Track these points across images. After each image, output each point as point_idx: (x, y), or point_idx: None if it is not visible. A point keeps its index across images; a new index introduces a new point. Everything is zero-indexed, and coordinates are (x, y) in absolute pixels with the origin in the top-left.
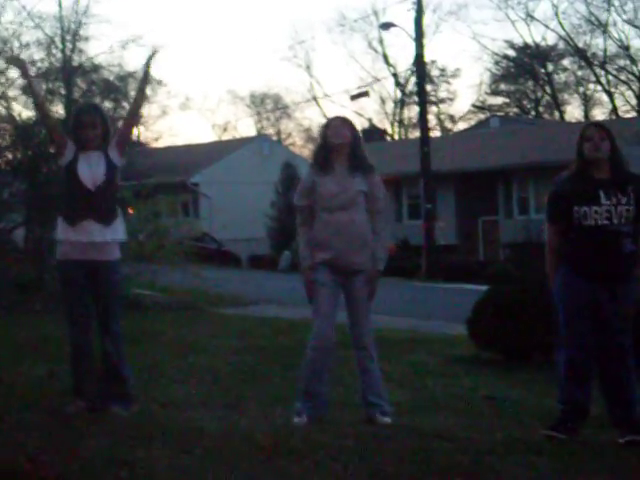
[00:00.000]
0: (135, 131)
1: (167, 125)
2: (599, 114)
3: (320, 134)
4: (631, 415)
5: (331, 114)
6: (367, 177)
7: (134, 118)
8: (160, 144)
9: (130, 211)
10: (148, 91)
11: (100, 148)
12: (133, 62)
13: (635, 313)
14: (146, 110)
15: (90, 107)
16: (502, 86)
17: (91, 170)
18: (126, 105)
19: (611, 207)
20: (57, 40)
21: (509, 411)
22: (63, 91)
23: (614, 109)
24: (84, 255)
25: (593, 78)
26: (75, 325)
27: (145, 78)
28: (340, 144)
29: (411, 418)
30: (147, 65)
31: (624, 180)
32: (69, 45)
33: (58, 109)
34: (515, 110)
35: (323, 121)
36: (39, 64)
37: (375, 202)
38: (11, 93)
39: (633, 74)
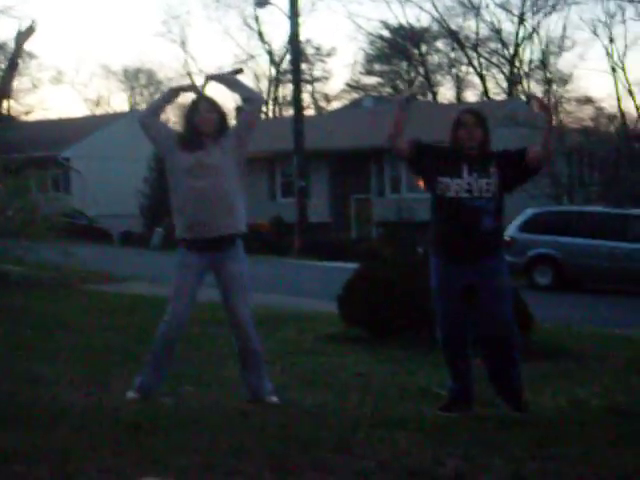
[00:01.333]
0: (4, 104)
1: (38, 99)
2: (471, 96)
3: (186, 116)
4: (515, 392)
5: (206, 91)
6: (228, 136)
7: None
8: (31, 118)
9: None
10: (18, 63)
11: None
12: (2, 33)
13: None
14: (16, 83)
15: None
16: (376, 66)
17: None
18: None
19: (472, 181)
20: None
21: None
22: None
23: (485, 91)
24: None
25: (465, 60)
26: None
27: (17, 53)
28: (208, 129)
29: (280, 395)
30: (19, 41)
31: (488, 157)
32: None
33: None
34: (389, 90)
35: (192, 98)
36: None
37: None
38: None
39: (504, 57)
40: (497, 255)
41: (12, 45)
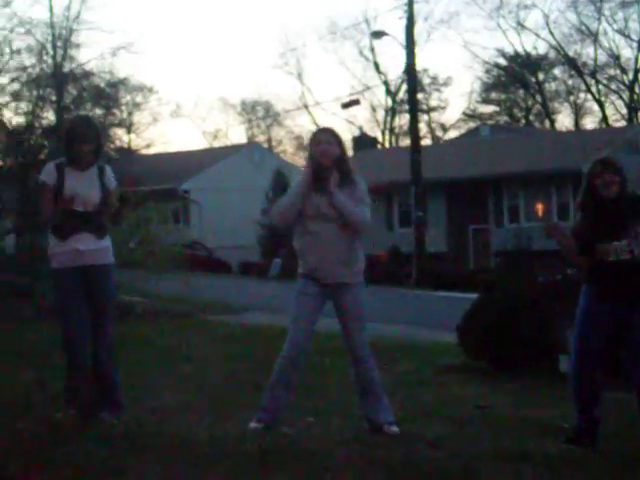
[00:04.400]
0: (126, 138)
1: (158, 132)
2: (589, 123)
3: (309, 149)
4: None
5: (322, 122)
6: (352, 189)
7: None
8: (151, 151)
9: None
10: (139, 99)
11: (92, 164)
12: (124, 69)
13: None
14: (137, 117)
15: (84, 120)
16: (493, 94)
17: (83, 192)
18: (117, 112)
19: (632, 240)
20: (48, 46)
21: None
22: (54, 98)
23: (604, 118)
24: (79, 261)
25: (584, 87)
26: (71, 333)
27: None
28: (327, 162)
29: (401, 426)
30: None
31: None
32: (60, 51)
33: (49, 115)
34: (506, 119)
35: (312, 131)
36: (30, 70)
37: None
38: (1, 99)
39: (623, 83)
40: None
41: (133, 81)
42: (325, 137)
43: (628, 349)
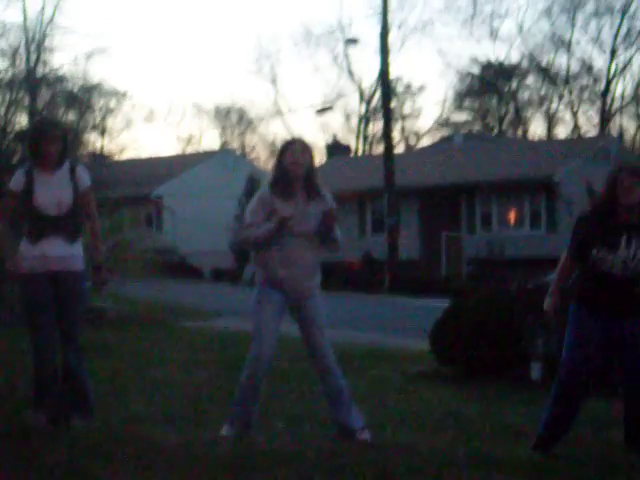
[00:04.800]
0: (99, 143)
1: (131, 137)
2: (562, 132)
3: (278, 157)
4: None
5: (296, 129)
6: (322, 203)
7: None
8: (124, 156)
9: None
10: (113, 103)
11: (61, 165)
12: (98, 73)
13: None
14: (110, 122)
15: (51, 122)
16: (466, 102)
17: (54, 195)
18: (90, 117)
19: (630, 254)
20: (21, 50)
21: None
22: (27, 102)
23: (576, 127)
24: (49, 267)
25: (556, 96)
26: (39, 338)
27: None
28: (298, 172)
29: (373, 433)
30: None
31: None
32: (33, 55)
33: (21, 120)
34: (479, 127)
35: (285, 139)
36: (2, 74)
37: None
38: None
39: (595, 93)
40: None
41: (106, 86)
42: (298, 147)
43: (626, 362)
